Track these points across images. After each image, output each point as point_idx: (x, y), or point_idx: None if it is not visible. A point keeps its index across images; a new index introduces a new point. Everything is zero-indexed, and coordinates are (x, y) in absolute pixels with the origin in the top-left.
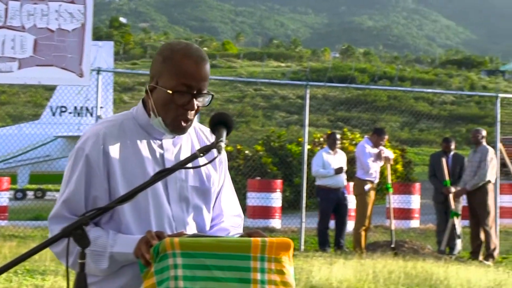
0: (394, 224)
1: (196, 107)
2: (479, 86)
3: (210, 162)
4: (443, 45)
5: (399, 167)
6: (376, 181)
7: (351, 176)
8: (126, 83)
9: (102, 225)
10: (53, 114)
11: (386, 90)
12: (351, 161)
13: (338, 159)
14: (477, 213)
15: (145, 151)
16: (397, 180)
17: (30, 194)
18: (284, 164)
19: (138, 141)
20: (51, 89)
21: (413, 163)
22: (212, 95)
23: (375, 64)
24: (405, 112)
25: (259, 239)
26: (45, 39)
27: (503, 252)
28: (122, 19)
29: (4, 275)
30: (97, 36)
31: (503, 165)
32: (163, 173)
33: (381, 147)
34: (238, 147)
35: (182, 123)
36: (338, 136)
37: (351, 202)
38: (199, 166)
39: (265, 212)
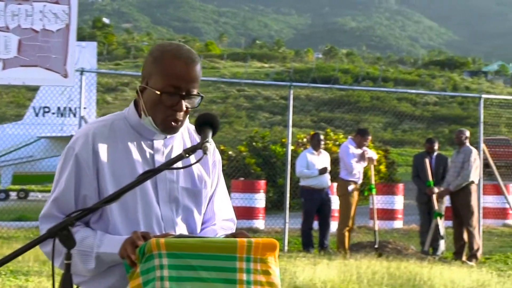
0: (377, 224)
1: (184, 108)
2: (461, 87)
3: (196, 162)
4: (426, 46)
5: (383, 167)
6: (360, 181)
7: (334, 176)
8: (109, 84)
9: (91, 224)
10: (36, 115)
11: (369, 91)
12: (335, 161)
13: (322, 159)
14: (460, 213)
15: (135, 152)
16: (380, 180)
17: (13, 194)
18: (268, 164)
19: (129, 142)
20: (34, 89)
21: (396, 164)
22: (202, 97)
23: (358, 64)
24: (388, 112)
25: (245, 239)
26: (29, 39)
27: (486, 253)
28: (105, 20)
29: None
30: (80, 37)
31: (486, 165)
32: (149, 173)
33: (364, 148)
34: (222, 147)
35: (172, 123)
36: (322, 136)
37: (335, 202)
38: (185, 167)
39: (249, 212)
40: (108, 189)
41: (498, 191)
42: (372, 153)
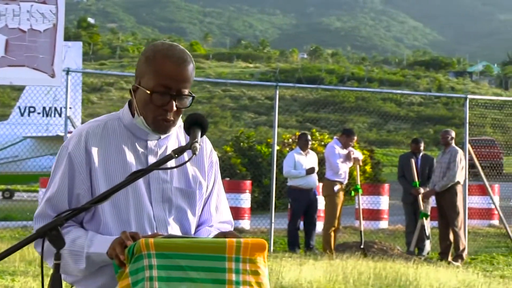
0: (363, 225)
1: (175, 108)
2: (447, 87)
3: (185, 163)
4: (410, 46)
5: (368, 168)
6: (345, 182)
7: (320, 177)
8: (94, 84)
9: (84, 224)
10: (22, 115)
11: (356, 91)
12: (320, 162)
13: (309, 159)
14: (446, 214)
15: (128, 152)
16: (366, 181)
17: None
18: (253, 165)
19: (122, 142)
20: (19, 89)
21: (381, 164)
22: (193, 97)
23: (343, 65)
24: (373, 113)
25: (234, 240)
26: (16, 39)
27: (472, 253)
28: (90, 20)
29: None
30: (65, 37)
31: (471, 166)
32: (139, 173)
33: (350, 148)
34: None
35: (163, 123)
36: (310, 137)
37: (320, 203)
38: (174, 167)
39: (234, 213)
40: (101, 188)
41: (483, 191)
42: (357, 154)
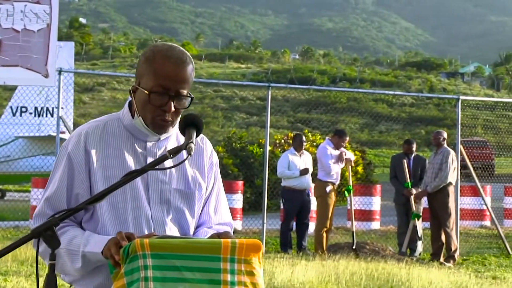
0: (355, 225)
1: (173, 109)
2: (438, 88)
3: (179, 164)
4: (402, 47)
5: (360, 169)
6: (337, 182)
7: (313, 178)
8: (86, 84)
9: (83, 224)
10: (14, 115)
11: (347, 92)
12: (313, 162)
13: (303, 160)
14: (438, 215)
15: (127, 152)
16: (358, 181)
17: None
18: (245, 165)
19: (121, 142)
20: (11, 89)
21: (373, 165)
22: (192, 97)
23: (335, 65)
24: (365, 114)
25: (229, 240)
26: (10, 39)
27: (464, 254)
28: (82, 20)
29: None
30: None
31: (463, 167)
32: (134, 174)
33: (342, 149)
34: None
35: (162, 123)
36: (304, 138)
37: (312, 203)
38: (170, 167)
39: None
40: (100, 189)
41: (475, 192)
42: (349, 154)
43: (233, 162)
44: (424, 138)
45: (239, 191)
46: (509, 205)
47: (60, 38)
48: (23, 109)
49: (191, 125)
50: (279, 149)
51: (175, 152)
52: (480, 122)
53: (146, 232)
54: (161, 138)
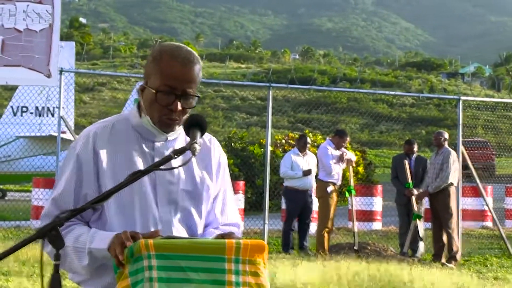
0: (356, 226)
1: (180, 108)
2: (439, 88)
3: (183, 164)
4: (402, 47)
5: (360, 169)
6: (339, 183)
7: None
8: (86, 84)
9: (90, 223)
10: (14, 114)
11: (348, 92)
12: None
13: (307, 160)
14: (439, 215)
15: (135, 153)
16: (358, 182)
17: None
18: (246, 165)
19: (130, 143)
20: (12, 88)
21: (373, 165)
22: (198, 97)
23: (335, 66)
24: (365, 114)
25: (233, 241)
26: (12, 39)
27: (465, 255)
28: (82, 20)
29: None
30: None
31: (464, 167)
32: (139, 174)
33: (343, 149)
34: None
35: (168, 121)
36: (309, 140)
37: (314, 204)
38: (173, 168)
39: None
40: (108, 189)
41: (476, 193)
42: (350, 155)
43: (234, 162)
44: (424, 138)
45: (240, 191)
46: (510, 205)
47: (60, 38)
48: (24, 109)
49: (195, 126)
50: (280, 149)
51: (179, 152)
52: (481, 123)
53: (153, 230)
54: (169, 139)
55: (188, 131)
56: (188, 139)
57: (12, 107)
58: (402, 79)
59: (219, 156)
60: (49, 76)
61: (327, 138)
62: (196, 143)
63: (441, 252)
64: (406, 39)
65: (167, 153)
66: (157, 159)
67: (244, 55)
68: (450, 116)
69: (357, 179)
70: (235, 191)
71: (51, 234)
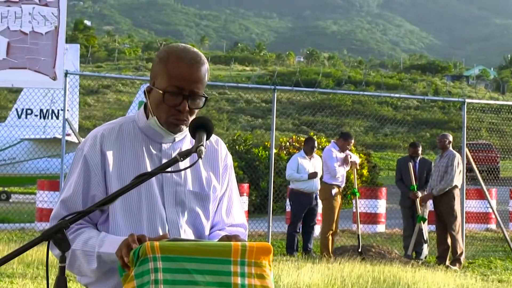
0: (360, 228)
1: (187, 109)
2: (443, 91)
3: (189, 166)
4: (407, 50)
5: (365, 171)
6: (343, 185)
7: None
8: (91, 86)
9: (98, 225)
10: (19, 117)
11: (353, 94)
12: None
13: (313, 163)
14: (443, 218)
15: (142, 154)
16: (363, 184)
17: None
18: (251, 168)
19: (137, 144)
20: (16, 91)
21: (378, 168)
22: (206, 97)
23: (340, 68)
24: (370, 116)
25: (239, 243)
26: (18, 41)
27: (469, 257)
28: (87, 22)
29: None
30: None
31: (469, 170)
32: (144, 176)
33: (347, 152)
34: None
35: (176, 122)
36: (316, 143)
37: (318, 207)
38: (181, 170)
39: None
40: (114, 191)
41: (481, 195)
42: (355, 157)
43: (238, 164)
44: (429, 141)
45: (245, 194)
46: None
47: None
48: (29, 111)
49: (201, 128)
50: (284, 152)
51: (185, 155)
52: (485, 125)
53: (161, 234)
54: (176, 140)
55: (194, 133)
56: (194, 140)
57: (16, 109)
58: (406, 81)
59: (225, 157)
60: (54, 78)
61: (332, 140)
62: (203, 145)
63: (445, 254)
64: (410, 41)
65: (174, 154)
66: (164, 161)
67: (249, 57)
68: (454, 119)
69: (362, 181)
70: (239, 194)
71: (56, 237)
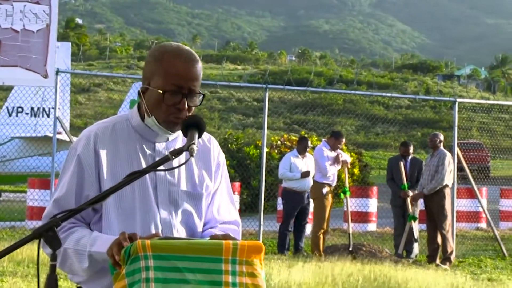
0: (351, 227)
1: (187, 107)
2: (434, 90)
3: (181, 165)
4: (398, 49)
5: (356, 170)
6: (334, 184)
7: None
8: (82, 85)
9: (91, 225)
10: (10, 115)
11: (345, 94)
12: None
13: (305, 162)
14: (434, 217)
15: (136, 153)
16: (354, 183)
17: None
18: (242, 166)
19: (130, 143)
20: (7, 89)
21: (369, 167)
22: (204, 95)
23: (332, 67)
24: (361, 116)
25: (230, 241)
26: (9, 39)
27: (460, 256)
28: (78, 20)
29: None
30: None
31: (459, 169)
32: (136, 175)
33: (339, 151)
34: None
35: (176, 120)
36: (310, 143)
37: (310, 205)
38: (173, 168)
39: None
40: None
41: (471, 194)
42: (346, 156)
43: (230, 163)
44: (420, 140)
45: (236, 192)
46: (505, 207)
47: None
48: (19, 110)
49: (193, 127)
50: (276, 151)
51: (176, 153)
52: (476, 125)
53: (153, 233)
54: (170, 139)
55: (186, 132)
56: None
57: (7, 107)
58: (398, 81)
59: (218, 155)
60: (46, 76)
61: (323, 139)
62: (194, 144)
63: (435, 253)
64: (402, 41)
65: (168, 153)
66: (157, 159)
67: (240, 56)
68: (445, 118)
69: (353, 180)
70: None
71: (47, 235)
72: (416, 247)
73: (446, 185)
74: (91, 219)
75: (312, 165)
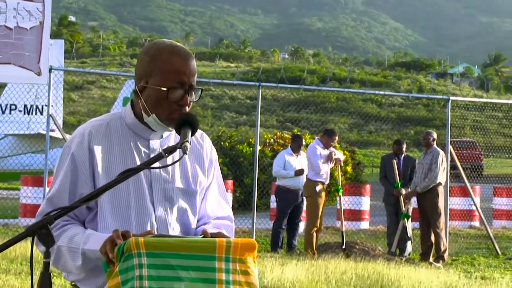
0: (344, 225)
1: (189, 102)
2: (427, 88)
3: (174, 162)
4: (391, 47)
5: (349, 168)
6: (327, 182)
7: None
8: (75, 82)
9: (86, 223)
10: (3, 112)
11: (338, 91)
12: None
13: (299, 161)
14: (427, 215)
15: (130, 151)
16: (347, 181)
17: None
18: (235, 164)
19: (124, 141)
20: (0, 86)
21: (362, 165)
22: (202, 90)
23: (325, 65)
24: (354, 114)
25: (224, 239)
26: (2, 36)
27: (453, 254)
28: (71, 18)
29: None
30: None
31: (453, 167)
32: (129, 172)
33: (332, 149)
34: None
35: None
36: (304, 141)
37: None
38: (165, 166)
39: None
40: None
41: (464, 193)
42: (339, 154)
43: (223, 161)
44: (413, 138)
45: (229, 190)
46: (498, 205)
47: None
48: (13, 107)
49: (186, 124)
50: (269, 149)
51: (169, 151)
52: (469, 123)
53: (147, 230)
54: (164, 136)
55: (179, 129)
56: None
57: (0, 105)
58: (391, 79)
59: (210, 152)
60: (39, 74)
61: (316, 137)
62: (188, 141)
63: (429, 251)
64: (395, 39)
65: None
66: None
67: (233, 54)
68: (438, 116)
69: (346, 178)
70: None
71: (41, 232)
72: (409, 245)
73: (439, 183)
74: (85, 217)
75: (305, 163)
